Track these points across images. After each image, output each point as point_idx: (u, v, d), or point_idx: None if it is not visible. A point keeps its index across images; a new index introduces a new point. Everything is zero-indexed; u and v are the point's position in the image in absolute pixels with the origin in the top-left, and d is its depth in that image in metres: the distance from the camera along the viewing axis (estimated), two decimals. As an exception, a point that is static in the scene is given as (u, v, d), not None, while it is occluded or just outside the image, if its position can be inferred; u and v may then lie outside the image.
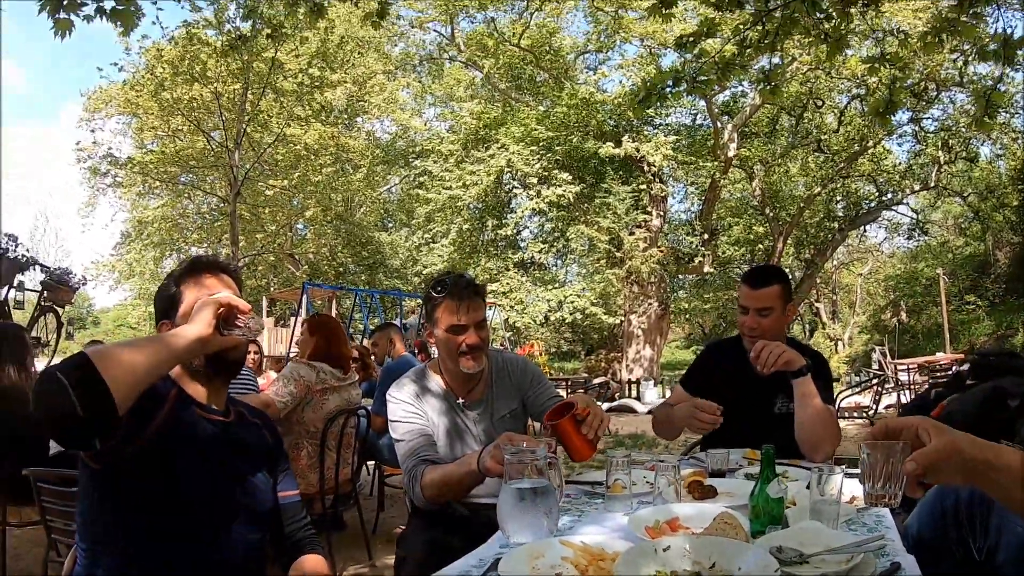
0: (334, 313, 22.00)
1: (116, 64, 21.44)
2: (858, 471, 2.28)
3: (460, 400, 3.27)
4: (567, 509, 2.56)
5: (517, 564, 1.89)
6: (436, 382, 3.31)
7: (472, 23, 25.34)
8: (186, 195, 28.76)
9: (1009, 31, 6.11)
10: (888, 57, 6.81)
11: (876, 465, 1.67)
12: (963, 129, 23.36)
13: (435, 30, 25.55)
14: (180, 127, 24.40)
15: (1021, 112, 21.41)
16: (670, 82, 6.23)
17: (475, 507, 3.15)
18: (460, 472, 2.79)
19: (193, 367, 2.19)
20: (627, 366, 23.03)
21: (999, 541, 2.39)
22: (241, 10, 9.17)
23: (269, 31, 8.41)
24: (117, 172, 26.00)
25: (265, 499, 2.34)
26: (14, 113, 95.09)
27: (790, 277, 3.72)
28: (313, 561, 2.42)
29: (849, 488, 2.35)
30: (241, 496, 2.23)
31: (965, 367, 5.66)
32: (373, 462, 7.29)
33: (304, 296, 17.85)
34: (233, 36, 9.32)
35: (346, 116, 29.36)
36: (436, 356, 3.40)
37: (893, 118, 7.36)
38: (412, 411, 3.17)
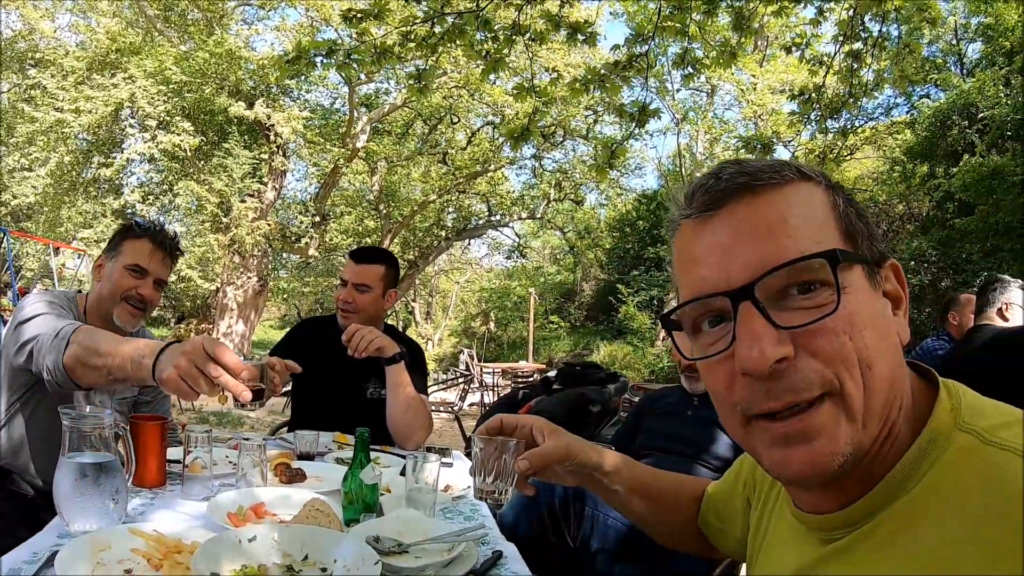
0: None
1: None
2: (450, 460, 2.28)
3: None
4: (136, 491, 2.25)
5: (78, 558, 1.59)
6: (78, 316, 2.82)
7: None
8: None
9: (649, 101, 6.78)
10: (537, 90, 7.20)
11: (488, 460, 1.65)
12: (576, 175, 25.90)
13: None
14: None
15: (631, 174, 23.91)
16: (324, 51, 6.12)
17: (42, 491, 2.76)
18: (124, 351, 2.10)
19: None
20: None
21: (593, 530, 2.60)
22: None
23: None
24: None
25: None
26: None
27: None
28: None
29: (444, 476, 2.33)
30: None
31: (553, 373, 6.14)
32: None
33: None
34: None
35: (-36, -5, 25.42)
36: (89, 291, 2.96)
37: (523, 146, 7.82)
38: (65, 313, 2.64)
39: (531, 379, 14.42)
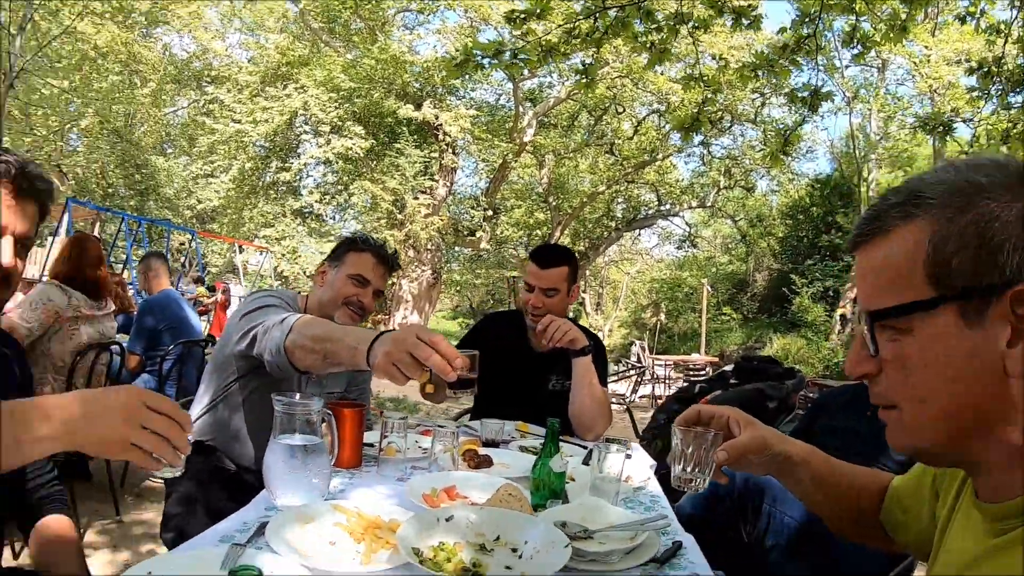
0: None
1: None
2: (630, 451, 2.31)
3: None
4: (336, 471, 2.39)
5: (286, 529, 1.72)
6: None
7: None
8: None
9: (820, 84, 6.63)
10: (705, 78, 7.10)
11: (687, 449, 1.69)
12: (747, 161, 25.29)
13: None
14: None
15: (802, 157, 23.18)
16: (491, 53, 6.20)
17: (245, 468, 2.95)
18: (344, 340, 2.18)
19: None
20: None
21: (768, 527, 2.56)
22: None
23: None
24: None
25: None
26: None
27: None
28: (58, 523, 2.04)
29: (626, 467, 2.36)
30: None
31: (729, 367, 6.00)
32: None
33: (66, 214, 16.16)
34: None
35: (145, 23, 27.15)
36: (310, 293, 3.17)
37: (695, 135, 7.72)
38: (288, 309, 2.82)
39: (703, 372, 14.20)
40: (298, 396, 2.01)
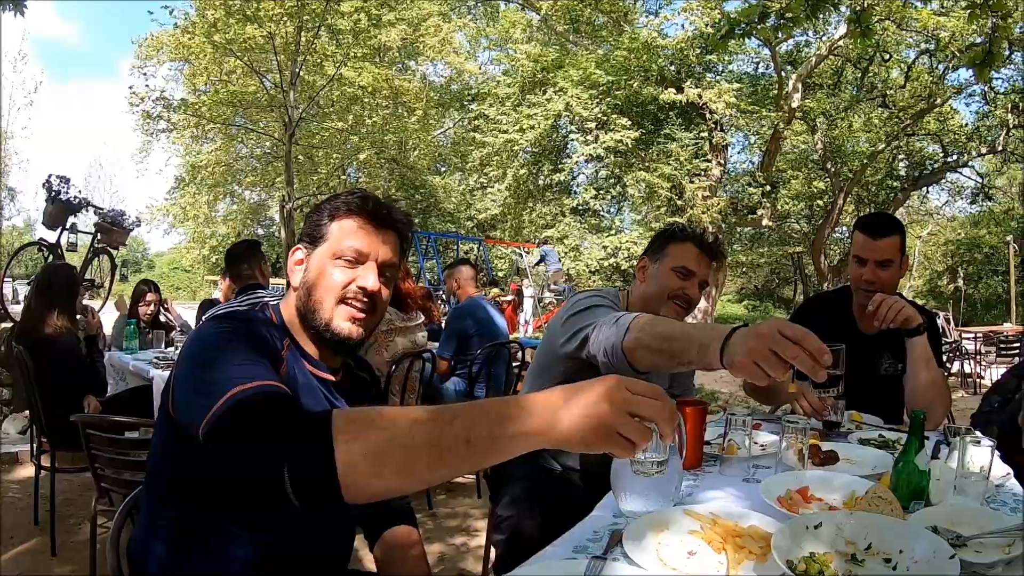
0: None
1: (167, 7, 20.85)
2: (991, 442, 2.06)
3: None
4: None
5: (643, 540, 1.66)
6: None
7: (528, -37, 24.76)
8: (239, 139, 28.32)
9: None
10: (991, 4, 6.46)
11: None
12: None
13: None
14: (232, 70, 23.92)
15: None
16: (756, 17, 5.95)
17: (570, 467, 2.96)
18: (693, 338, 2.03)
19: (312, 326, 1.84)
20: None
21: None
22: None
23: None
24: (170, 116, 25.43)
25: None
26: (71, 70, 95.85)
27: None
28: (407, 532, 2.14)
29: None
30: None
31: None
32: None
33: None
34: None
35: (400, 58, 28.81)
36: (631, 288, 3.12)
37: (992, 70, 6.97)
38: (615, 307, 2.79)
39: (1018, 345, 12.83)
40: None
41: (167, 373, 2.30)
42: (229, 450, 1.42)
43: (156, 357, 5.41)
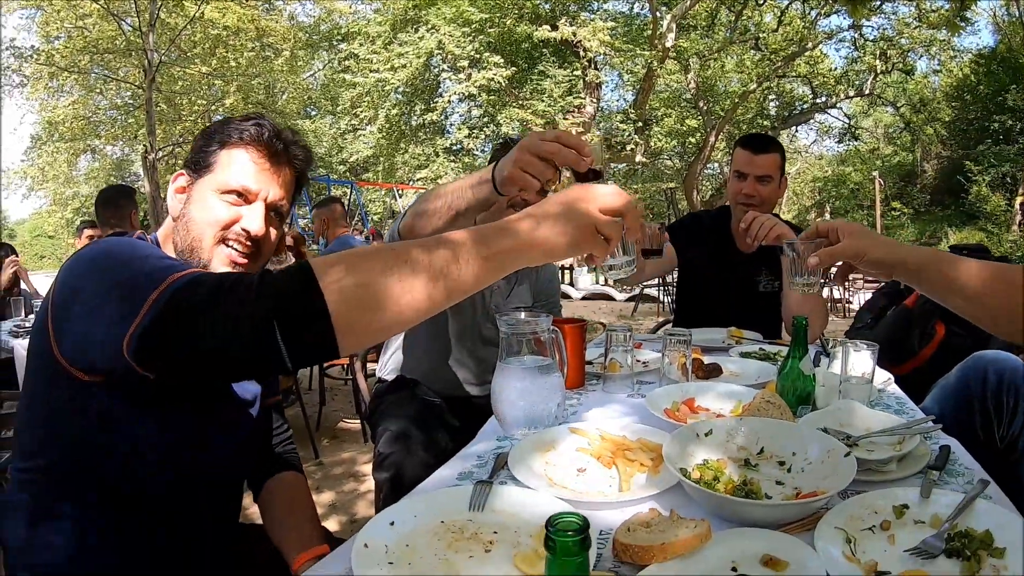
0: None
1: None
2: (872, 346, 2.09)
3: None
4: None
5: (530, 460, 1.57)
6: None
7: None
8: (98, 89, 26.69)
9: None
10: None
11: (801, 260, 1.86)
12: (903, 41, 23.79)
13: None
14: (88, 13, 22.55)
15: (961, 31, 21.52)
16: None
17: (449, 397, 2.89)
18: (459, 184, 2.03)
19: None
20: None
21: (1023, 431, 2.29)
22: None
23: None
24: (22, 67, 23.83)
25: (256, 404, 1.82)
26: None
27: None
28: (295, 478, 1.98)
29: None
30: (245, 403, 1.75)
31: None
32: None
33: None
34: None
35: (266, -2, 27.85)
36: None
37: (866, 9, 7.08)
38: None
39: None
40: (523, 314, 1.83)
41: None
42: (183, 341, 1.13)
43: (15, 327, 5.01)
